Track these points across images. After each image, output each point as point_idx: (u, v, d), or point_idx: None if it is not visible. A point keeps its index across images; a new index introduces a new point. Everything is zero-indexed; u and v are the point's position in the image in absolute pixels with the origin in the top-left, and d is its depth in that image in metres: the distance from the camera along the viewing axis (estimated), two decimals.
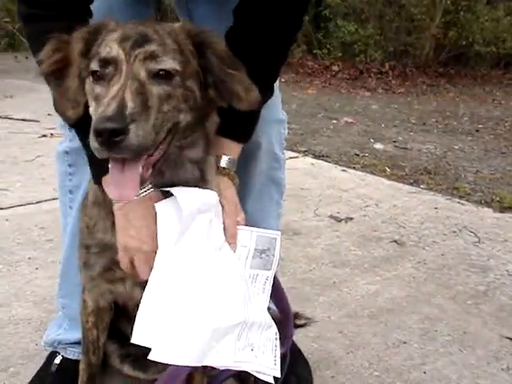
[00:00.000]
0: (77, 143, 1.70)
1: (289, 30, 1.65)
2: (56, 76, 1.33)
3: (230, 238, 1.52)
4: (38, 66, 1.34)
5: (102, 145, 1.10)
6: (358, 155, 5.55)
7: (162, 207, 1.36)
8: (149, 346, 1.32)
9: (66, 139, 1.85)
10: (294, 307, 2.55)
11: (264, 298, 1.56)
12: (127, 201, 1.30)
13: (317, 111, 7.68)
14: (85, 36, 1.31)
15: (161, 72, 1.22)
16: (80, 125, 1.36)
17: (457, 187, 4.68)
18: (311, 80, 10.43)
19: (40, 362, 2.06)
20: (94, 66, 1.24)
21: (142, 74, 1.20)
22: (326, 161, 5.25)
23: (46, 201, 3.66)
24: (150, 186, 1.37)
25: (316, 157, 5.36)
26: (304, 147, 5.56)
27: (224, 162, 1.60)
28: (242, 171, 1.77)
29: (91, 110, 1.26)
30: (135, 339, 1.32)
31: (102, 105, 1.14)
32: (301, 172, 4.63)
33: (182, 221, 1.35)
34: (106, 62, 1.22)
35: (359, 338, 2.40)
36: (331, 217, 3.74)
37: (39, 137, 5.11)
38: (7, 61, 10.11)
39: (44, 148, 4.77)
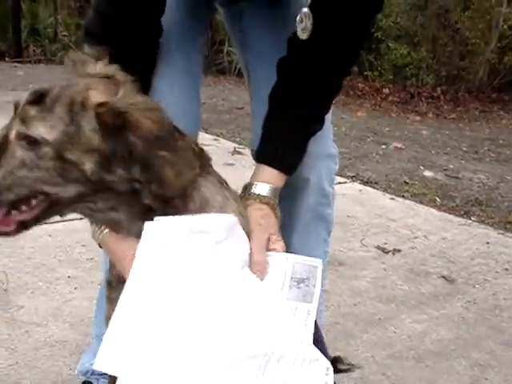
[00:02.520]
0: None
1: (345, 62, 1.60)
2: None
3: (254, 266, 1.36)
4: None
5: None
6: (407, 183, 5.41)
7: (152, 224, 1.22)
8: (113, 374, 1.17)
9: None
10: (337, 344, 2.46)
11: (307, 335, 1.38)
12: None
13: (366, 135, 7.56)
14: None
15: (29, 138, 1.14)
16: None
17: (510, 221, 4.51)
18: (361, 102, 10.30)
19: None
20: None
21: (12, 134, 1.16)
22: (375, 187, 5.13)
23: None
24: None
25: (364, 183, 5.24)
26: (352, 172, 5.45)
27: (265, 190, 1.51)
28: (289, 206, 1.69)
29: None
30: (97, 365, 1.16)
31: None
32: (348, 198, 4.52)
33: (171, 238, 1.22)
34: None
35: (403, 383, 2.28)
36: (378, 248, 3.62)
37: None
38: (62, 74, 10.30)
39: None
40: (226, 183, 1.44)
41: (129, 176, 1.16)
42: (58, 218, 3.63)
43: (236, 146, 6.04)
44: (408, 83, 11.38)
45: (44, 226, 3.45)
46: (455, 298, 3.05)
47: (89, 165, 1.16)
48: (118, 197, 1.22)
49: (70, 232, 3.43)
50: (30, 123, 1.14)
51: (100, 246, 1.40)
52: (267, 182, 1.52)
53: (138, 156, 1.14)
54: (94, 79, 1.25)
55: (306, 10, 1.47)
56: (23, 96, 1.18)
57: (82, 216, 1.35)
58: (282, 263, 1.41)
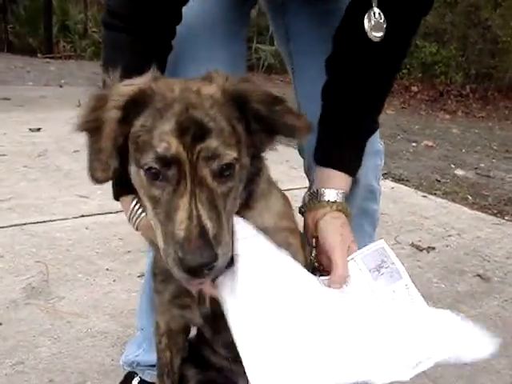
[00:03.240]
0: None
1: (398, 59, 1.59)
2: (91, 134, 1.20)
3: (338, 279, 1.37)
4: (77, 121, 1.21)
5: (189, 275, 1.06)
6: (439, 181, 5.38)
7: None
8: None
9: None
10: None
11: (417, 305, 1.38)
12: None
13: (396, 133, 7.52)
14: (121, 105, 1.16)
15: (223, 166, 1.10)
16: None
17: None
18: (390, 100, 10.24)
19: (116, 378, 2.04)
20: (150, 162, 1.10)
21: (208, 178, 1.09)
22: (406, 185, 5.11)
23: None
24: None
25: (396, 180, 5.23)
26: (384, 170, 5.41)
27: (336, 196, 1.51)
28: None
29: (149, 210, 1.16)
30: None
31: (174, 221, 1.07)
32: (381, 196, 4.50)
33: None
34: (166, 162, 1.09)
35: (442, 380, 2.27)
36: (412, 245, 3.61)
37: None
38: (92, 69, 10.38)
39: None
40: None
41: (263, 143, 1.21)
42: (93, 210, 3.67)
43: None
44: (437, 81, 11.30)
45: (81, 220, 3.52)
46: (491, 297, 3.02)
47: (249, 159, 1.19)
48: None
49: (107, 225, 3.47)
50: (221, 155, 1.10)
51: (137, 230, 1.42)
52: (337, 187, 1.52)
53: (265, 119, 1.17)
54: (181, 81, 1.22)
55: (377, 10, 1.46)
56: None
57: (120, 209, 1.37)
58: (353, 266, 1.39)
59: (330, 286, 1.36)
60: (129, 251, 3.14)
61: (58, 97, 7.57)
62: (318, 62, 1.62)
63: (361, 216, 1.89)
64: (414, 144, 6.97)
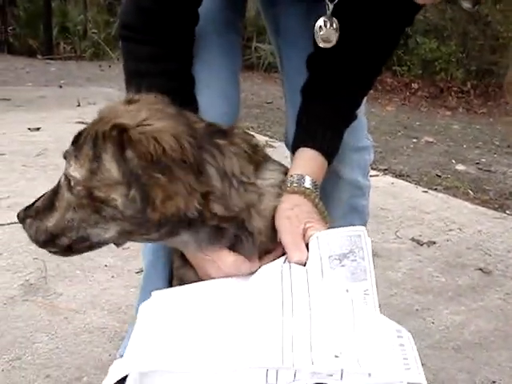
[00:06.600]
0: None
1: (375, 65, 1.61)
2: None
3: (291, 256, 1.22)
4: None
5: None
6: (439, 176, 5.35)
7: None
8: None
9: None
10: None
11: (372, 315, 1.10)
12: None
13: (396, 129, 7.50)
14: None
15: (67, 178, 1.19)
16: None
17: None
18: (390, 97, 10.22)
19: None
20: None
21: (62, 178, 1.22)
22: (407, 181, 5.08)
23: None
24: None
25: (396, 176, 5.20)
26: (384, 166, 5.41)
27: (307, 181, 1.38)
28: (322, 201, 1.67)
29: None
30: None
31: None
32: (381, 191, 4.49)
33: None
34: None
35: (444, 373, 2.25)
36: (413, 240, 3.59)
37: None
38: (92, 69, 10.39)
39: None
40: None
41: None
42: None
43: (267, 139, 6.03)
44: (437, 78, 11.25)
45: None
46: (493, 290, 3.00)
47: (119, 200, 1.13)
48: (173, 222, 1.15)
49: None
50: (68, 163, 1.19)
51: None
52: (309, 174, 1.41)
53: (137, 176, 1.09)
54: (130, 107, 1.24)
55: (325, 19, 1.46)
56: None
57: None
58: (313, 244, 1.19)
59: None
60: (128, 247, 3.12)
61: (57, 97, 7.57)
62: (304, 55, 1.62)
63: (350, 213, 1.88)
64: (414, 140, 6.95)
